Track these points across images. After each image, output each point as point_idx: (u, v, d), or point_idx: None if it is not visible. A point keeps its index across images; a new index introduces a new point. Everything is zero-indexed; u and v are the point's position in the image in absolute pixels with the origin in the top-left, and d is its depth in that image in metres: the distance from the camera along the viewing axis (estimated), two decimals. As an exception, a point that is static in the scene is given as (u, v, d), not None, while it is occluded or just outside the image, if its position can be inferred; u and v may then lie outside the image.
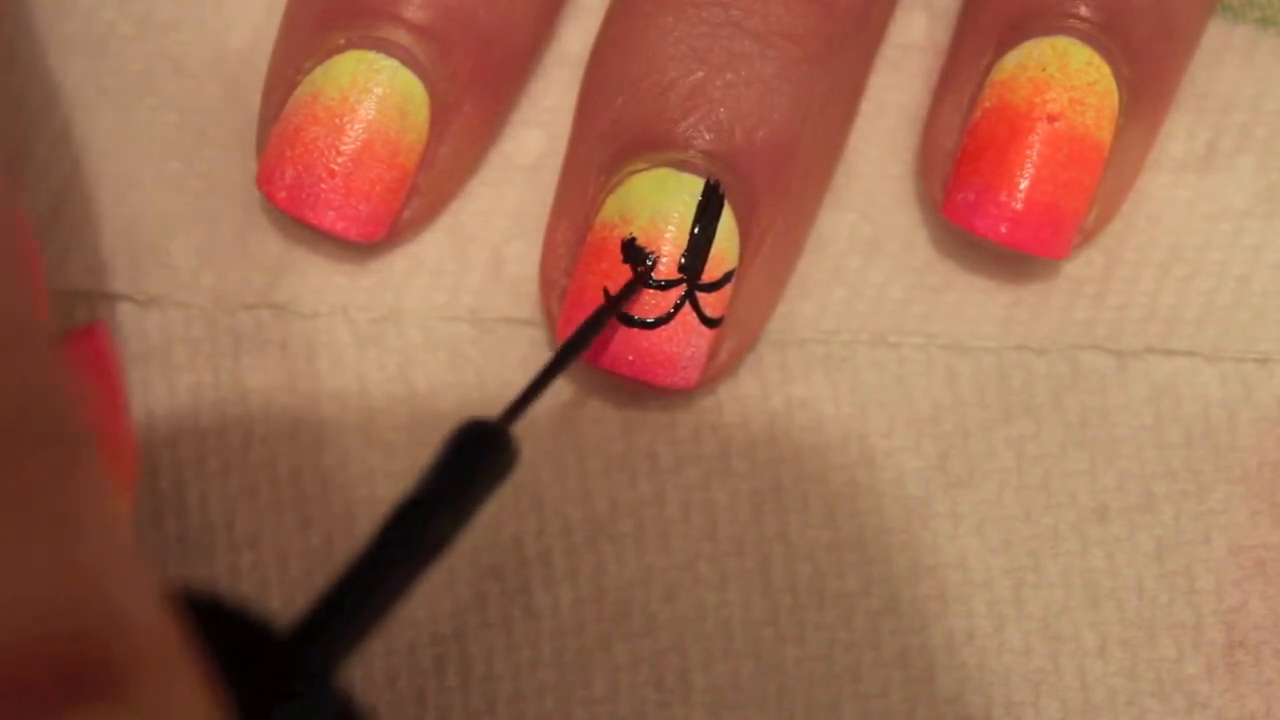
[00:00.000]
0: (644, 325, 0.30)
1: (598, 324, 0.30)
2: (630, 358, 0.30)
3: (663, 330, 0.30)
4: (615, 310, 0.30)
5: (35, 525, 0.17)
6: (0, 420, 0.18)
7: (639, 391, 0.32)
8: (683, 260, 0.30)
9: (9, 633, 0.17)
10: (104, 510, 0.18)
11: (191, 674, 0.18)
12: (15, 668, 0.16)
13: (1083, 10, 0.31)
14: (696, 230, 0.30)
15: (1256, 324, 0.32)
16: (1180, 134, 0.33)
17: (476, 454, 0.25)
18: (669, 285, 0.30)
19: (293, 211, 0.31)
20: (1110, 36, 0.31)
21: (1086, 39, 0.30)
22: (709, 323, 0.30)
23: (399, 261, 0.33)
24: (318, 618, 0.22)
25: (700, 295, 0.30)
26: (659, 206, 0.30)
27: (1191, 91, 0.33)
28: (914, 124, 0.33)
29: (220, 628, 0.21)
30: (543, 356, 0.32)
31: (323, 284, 0.32)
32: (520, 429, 0.31)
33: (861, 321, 0.33)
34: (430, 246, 0.33)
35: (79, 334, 0.27)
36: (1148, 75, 0.31)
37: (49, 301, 0.32)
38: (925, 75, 0.33)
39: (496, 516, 0.31)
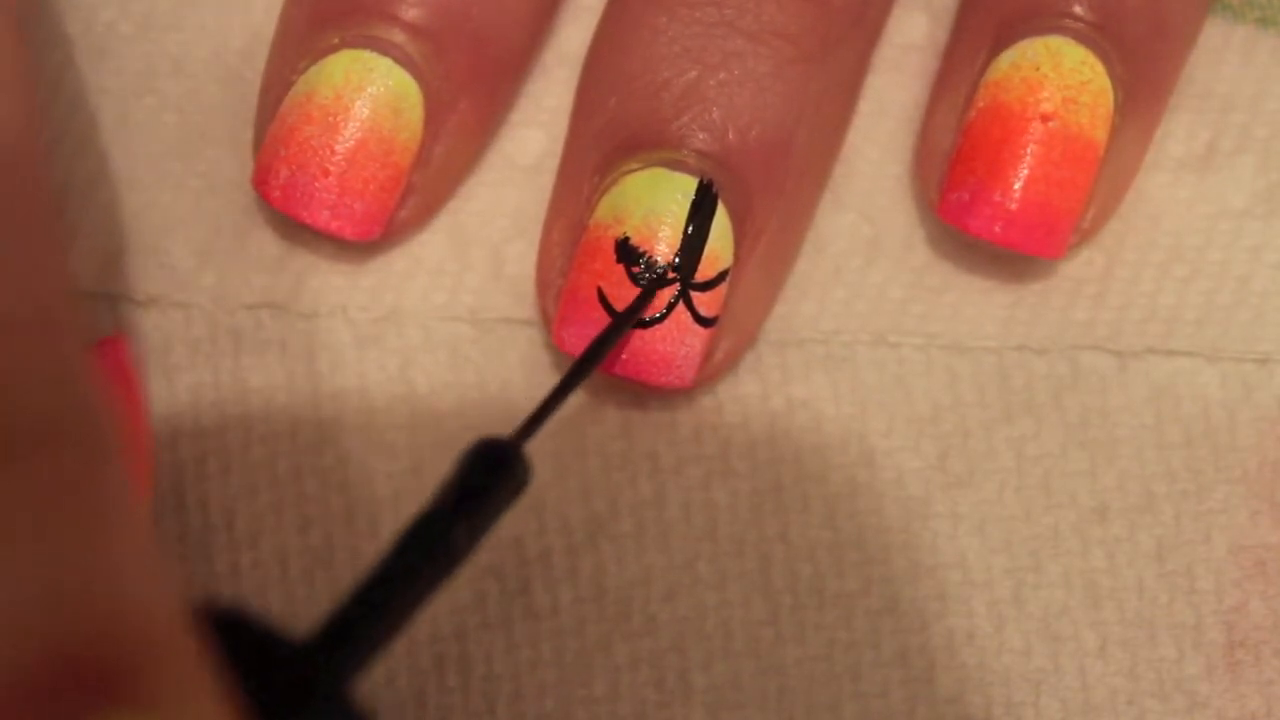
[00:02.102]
0: (640, 325, 0.30)
1: (611, 338, 0.30)
2: (624, 357, 0.30)
3: (656, 330, 0.30)
4: (628, 323, 0.30)
5: (63, 524, 0.17)
6: (31, 417, 0.18)
7: (639, 392, 0.32)
8: (676, 260, 0.30)
9: (35, 632, 0.17)
10: (130, 512, 0.18)
11: (210, 681, 0.18)
12: (40, 668, 0.16)
13: (1077, 10, 0.31)
14: (690, 229, 0.30)
15: (1256, 324, 0.33)
16: (1180, 134, 0.33)
17: (492, 472, 0.25)
18: (663, 284, 0.30)
19: (287, 211, 0.31)
20: (1104, 36, 0.31)
21: (1080, 38, 0.30)
22: (703, 322, 0.30)
23: (399, 261, 0.33)
24: (335, 630, 0.22)
25: (694, 295, 0.30)
26: (652, 206, 0.30)
27: (1191, 91, 0.33)
28: (915, 124, 0.33)
29: (239, 637, 0.21)
30: (543, 357, 0.32)
31: (323, 284, 0.32)
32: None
33: (861, 321, 0.33)
34: (430, 247, 0.33)
35: (102, 344, 0.27)
36: (1143, 75, 0.31)
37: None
38: (926, 75, 0.33)
39: (496, 516, 0.31)
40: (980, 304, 0.33)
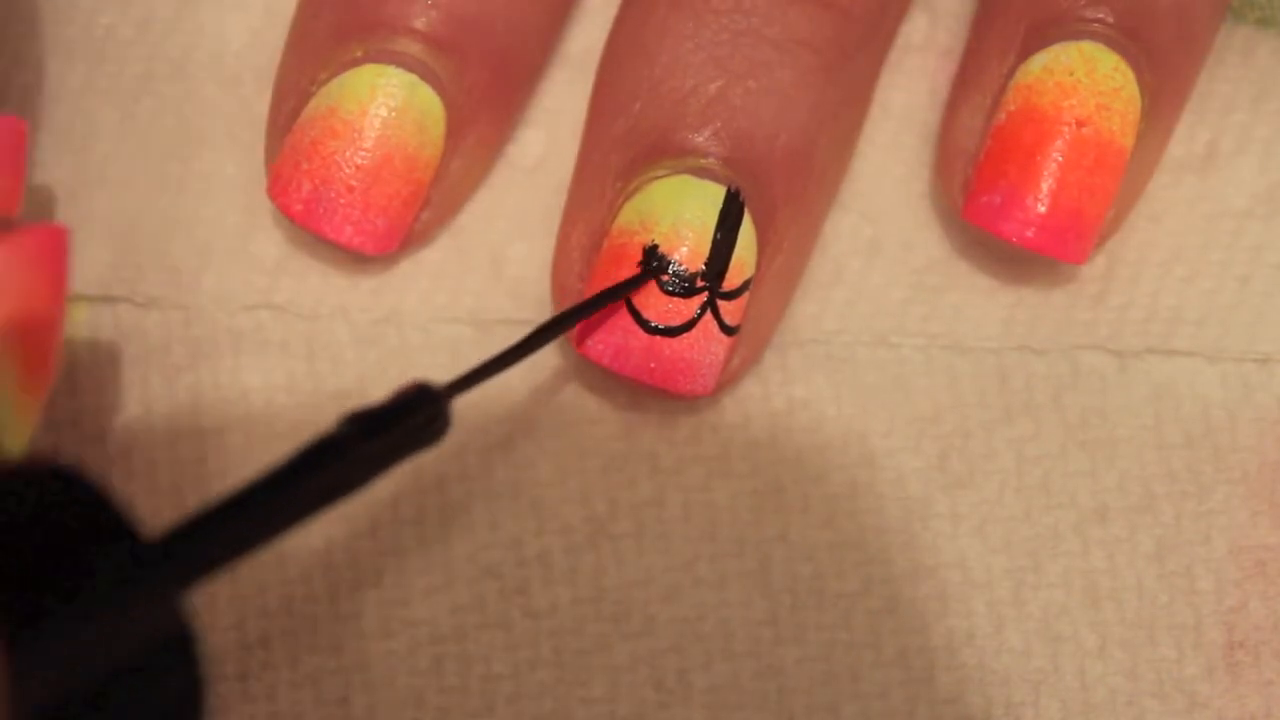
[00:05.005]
0: (668, 333, 0.30)
1: (583, 312, 0.29)
2: (652, 365, 0.30)
3: (684, 338, 0.30)
4: (609, 302, 0.30)
5: None
6: None
7: (639, 391, 0.32)
8: (704, 268, 0.30)
9: None
10: None
11: None
12: None
13: (1109, 16, 0.30)
14: (718, 238, 0.30)
15: (1257, 324, 0.33)
16: (1180, 134, 0.33)
17: (410, 414, 0.25)
18: (692, 293, 0.30)
19: (309, 225, 0.30)
20: (1135, 43, 0.30)
21: (1112, 44, 0.30)
22: (728, 331, 0.30)
23: (399, 263, 0.33)
24: (189, 528, 0.22)
25: (720, 303, 0.30)
26: (681, 213, 0.30)
27: (1192, 91, 0.33)
28: (916, 125, 0.33)
29: (93, 515, 0.21)
30: (543, 358, 0.32)
31: (323, 285, 0.32)
32: (520, 428, 0.32)
33: (863, 322, 0.33)
34: (431, 248, 0.33)
35: (33, 229, 0.27)
36: (1168, 81, 0.31)
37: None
38: (927, 76, 0.34)
39: (495, 516, 0.31)
40: (981, 304, 0.33)
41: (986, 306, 0.33)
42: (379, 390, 0.31)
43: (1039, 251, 0.30)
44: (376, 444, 0.24)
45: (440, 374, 0.32)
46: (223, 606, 0.31)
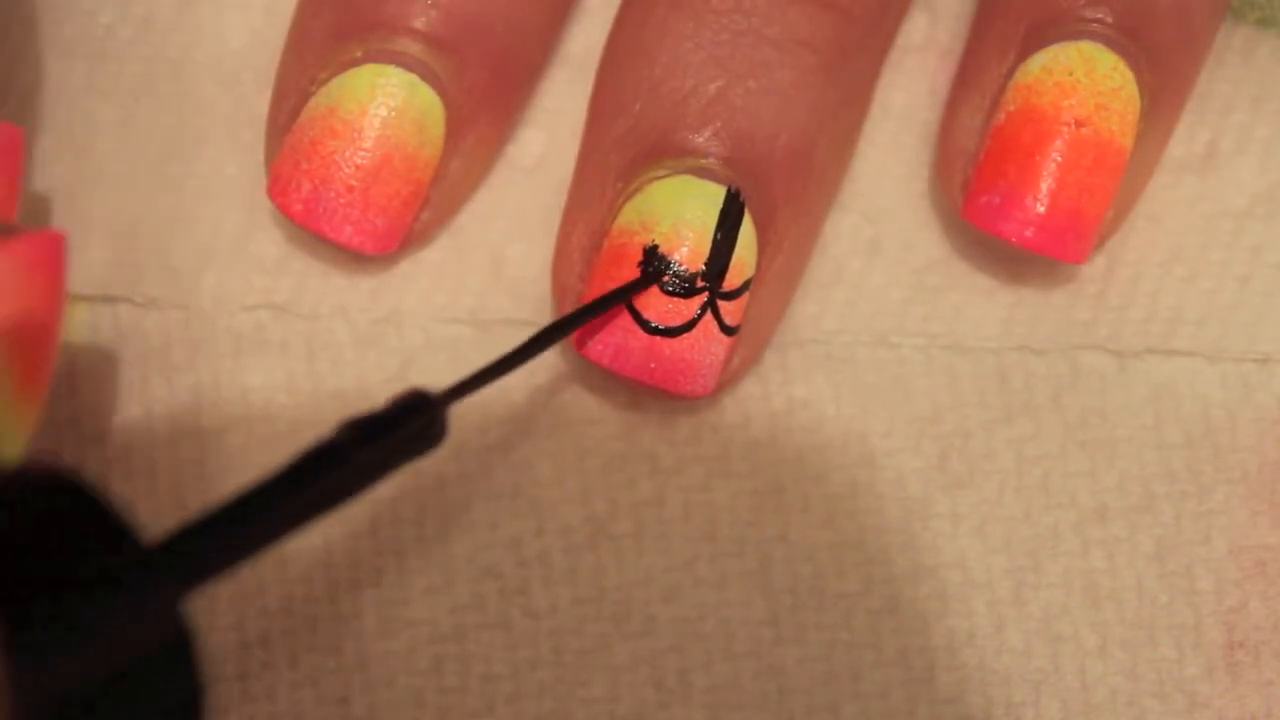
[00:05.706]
0: (668, 333, 0.30)
1: (579, 319, 0.29)
2: (653, 365, 0.30)
3: (684, 338, 0.30)
4: (606, 308, 0.30)
5: None
6: None
7: (639, 391, 0.32)
8: (704, 268, 0.30)
9: None
10: None
11: None
12: None
13: (1108, 16, 0.30)
14: (718, 238, 0.30)
15: (1257, 324, 0.33)
16: (1180, 134, 0.33)
17: (406, 421, 0.25)
18: (692, 293, 0.30)
19: (308, 225, 0.30)
20: (1135, 42, 0.30)
21: (1111, 44, 0.30)
22: (728, 331, 0.30)
23: (399, 263, 0.33)
24: (190, 533, 0.22)
25: (720, 304, 0.30)
26: (681, 214, 0.30)
27: (1192, 91, 0.33)
28: (916, 125, 0.33)
29: (91, 520, 0.21)
30: (542, 358, 0.32)
31: (322, 285, 0.32)
32: (519, 429, 0.32)
33: (863, 322, 0.33)
34: (430, 248, 0.33)
35: (31, 234, 0.27)
36: (1168, 81, 0.31)
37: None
38: (927, 76, 0.34)
39: (495, 516, 0.31)
40: (981, 304, 0.33)
41: (986, 306, 0.33)
42: (379, 390, 0.32)
43: (1038, 251, 0.30)
44: (374, 451, 0.24)
45: (440, 374, 0.32)
46: (223, 606, 0.31)
